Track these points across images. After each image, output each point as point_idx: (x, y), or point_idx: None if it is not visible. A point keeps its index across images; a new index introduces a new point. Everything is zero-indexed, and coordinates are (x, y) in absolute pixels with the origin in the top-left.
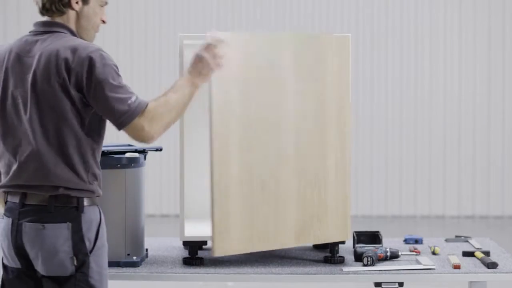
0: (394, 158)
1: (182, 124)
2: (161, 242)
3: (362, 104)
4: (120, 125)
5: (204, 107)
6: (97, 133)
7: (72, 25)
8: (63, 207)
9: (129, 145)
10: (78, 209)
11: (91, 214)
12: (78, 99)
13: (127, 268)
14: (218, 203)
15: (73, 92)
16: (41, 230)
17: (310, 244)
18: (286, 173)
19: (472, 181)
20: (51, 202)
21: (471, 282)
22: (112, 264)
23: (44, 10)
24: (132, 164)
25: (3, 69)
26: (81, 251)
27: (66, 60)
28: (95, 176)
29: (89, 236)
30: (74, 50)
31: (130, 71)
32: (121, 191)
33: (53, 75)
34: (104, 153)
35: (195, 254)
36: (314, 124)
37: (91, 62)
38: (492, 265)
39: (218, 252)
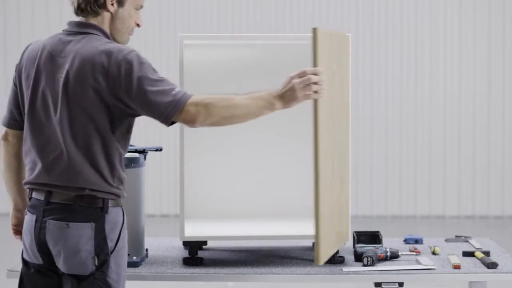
0: (394, 158)
1: (182, 125)
2: (161, 242)
3: (362, 104)
4: (167, 119)
5: None
6: (124, 139)
7: (106, 27)
8: (88, 207)
9: (130, 145)
10: (103, 209)
11: (115, 215)
12: (112, 104)
13: (127, 268)
14: (322, 207)
15: (108, 97)
16: (65, 229)
17: (309, 244)
18: (333, 172)
19: (472, 181)
20: (76, 202)
21: (471, 282)
22: None
23: (79, 10)
24: (132, 164)
25: (35, 67)
26: (103, 251)
27: (102, 65)
28: (120, 180)
29: (112, 236)
30: (109, 54)
31: None
32: None
33: (88, 79)
34: None
35: (195, 254)
36: (339, 124)
37: (128, 64)
38: (492, 265)
39: (323, 259)
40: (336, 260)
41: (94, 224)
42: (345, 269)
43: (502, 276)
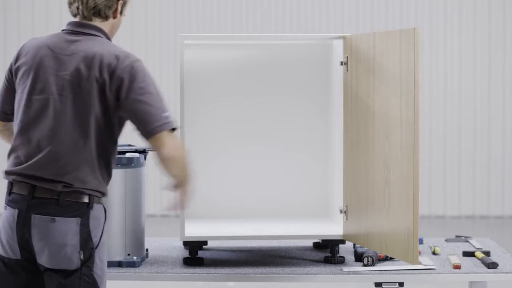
0: None
1: (183, 124)
2: (162, 242)
3: None
4: (149, 133)
5: (204, 108)
6: (118, 136)
7: (107, 31)
8: (74, 202)
9: (129, 145)
10: (88, 205)
11: (98, 211)
12: (112, 104)
13: (128, 268)
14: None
15: (109, 95)
16: (51, 223)
17: (310, 244)
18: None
19: (472, 181)
20: (63, 197)
21: (471, 282)
22: (112, 264)
23: (93, 13)
24: (132, 164)
25: (35, 64)
26: (87, 246)
27: (109, 65)
28: (110, 178)
29: (96, 232)
30: (118, 57)
31: None
32: (121, 191)
33: (94, 76)
34: None
35: (195, 254)
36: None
37: (133, 71)
38: (492, 265)
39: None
40: (336, 260)
41: (80, 219)
42: (345, 269)
43: (502, 276)
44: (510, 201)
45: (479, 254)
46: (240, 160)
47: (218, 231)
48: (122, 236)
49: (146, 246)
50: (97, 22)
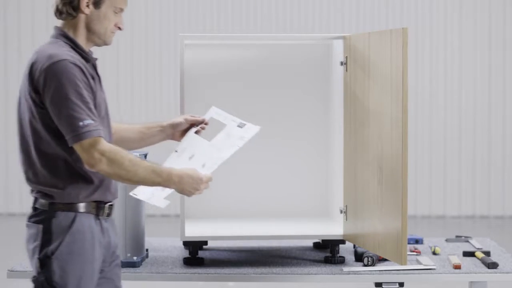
0: None
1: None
2: (162, 242)
3: None
4: (68, 143)
5: (204, 108)
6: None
7: (78, 30)
8: (40, 208)
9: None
10: (50, 212)
11: (62, 219)
12: (38, 105)
13: (128, 268)
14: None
15: (36, 99)
16: (26, 228)
17: (310, 244)
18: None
19: (473, 181)
20: (33, 203)
21: (471, 282)
22: None
23: (57, 13)
24: None
25: None
26: (43, 253)
27: (29, 63)
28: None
29: (57, 239)
30: (38, 56)
31: (131, 71)
32: (121, 191)
33: (26, 78)
34: None
35: (195, 254)
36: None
37: (50, 74)
38: (493, 265)
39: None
40: (336, 260)
41: (41, 226)
42: (345, 269)
43: (502, 276)
44: (511, 201)
45: (479, 254)
46: (240, 160)
47: (218, 231)
48: (122, 236)
49: (146, 246)
50: (68, 23)
